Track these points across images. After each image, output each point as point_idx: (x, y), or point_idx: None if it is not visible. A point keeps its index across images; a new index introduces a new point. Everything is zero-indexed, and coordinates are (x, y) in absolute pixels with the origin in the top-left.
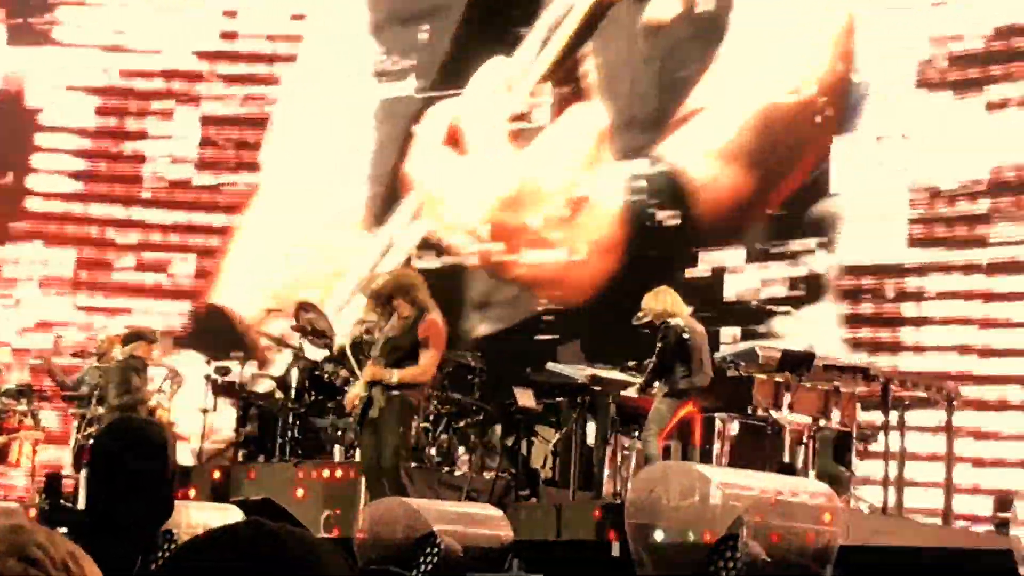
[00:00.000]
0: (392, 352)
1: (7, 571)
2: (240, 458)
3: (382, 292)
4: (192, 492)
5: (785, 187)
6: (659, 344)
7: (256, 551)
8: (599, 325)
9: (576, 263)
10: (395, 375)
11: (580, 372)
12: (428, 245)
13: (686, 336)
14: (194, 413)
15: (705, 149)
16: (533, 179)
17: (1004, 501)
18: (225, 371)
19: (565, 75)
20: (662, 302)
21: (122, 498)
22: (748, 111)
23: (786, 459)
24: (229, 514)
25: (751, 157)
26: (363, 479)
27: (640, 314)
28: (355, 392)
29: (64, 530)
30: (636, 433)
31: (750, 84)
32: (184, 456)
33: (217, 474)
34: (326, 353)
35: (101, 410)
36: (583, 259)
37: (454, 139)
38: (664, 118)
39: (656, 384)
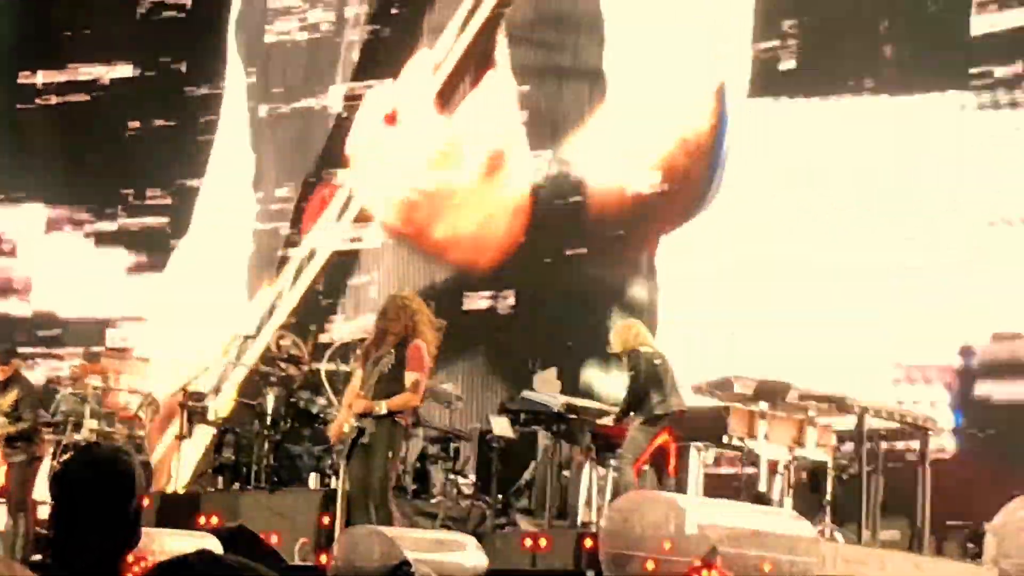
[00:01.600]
0: (381, 380)
1: None
2: (220, 485)
3: (381, 316)
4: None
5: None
6: (631, 373)
7: None
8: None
9: (486, 228)
10: (383, 406)
11: (555, 401)
12: (360, 219)
13: (657, 363)
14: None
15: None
16: (457, 138)
17: (976, 531)
18: (200, 397)
19: (480, 55)
20: (629, 335)
21: (87, 527)
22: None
23: (762, 489)
24: (204, 542)
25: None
26: (339, 506)
27: (609, 347)
28: (339, 424)
29: (39, 557)
30: (611, 461)
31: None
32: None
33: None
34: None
35: (77, 436)
36: (494, 223)
37: (390, 117)
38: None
39: (632, 413)
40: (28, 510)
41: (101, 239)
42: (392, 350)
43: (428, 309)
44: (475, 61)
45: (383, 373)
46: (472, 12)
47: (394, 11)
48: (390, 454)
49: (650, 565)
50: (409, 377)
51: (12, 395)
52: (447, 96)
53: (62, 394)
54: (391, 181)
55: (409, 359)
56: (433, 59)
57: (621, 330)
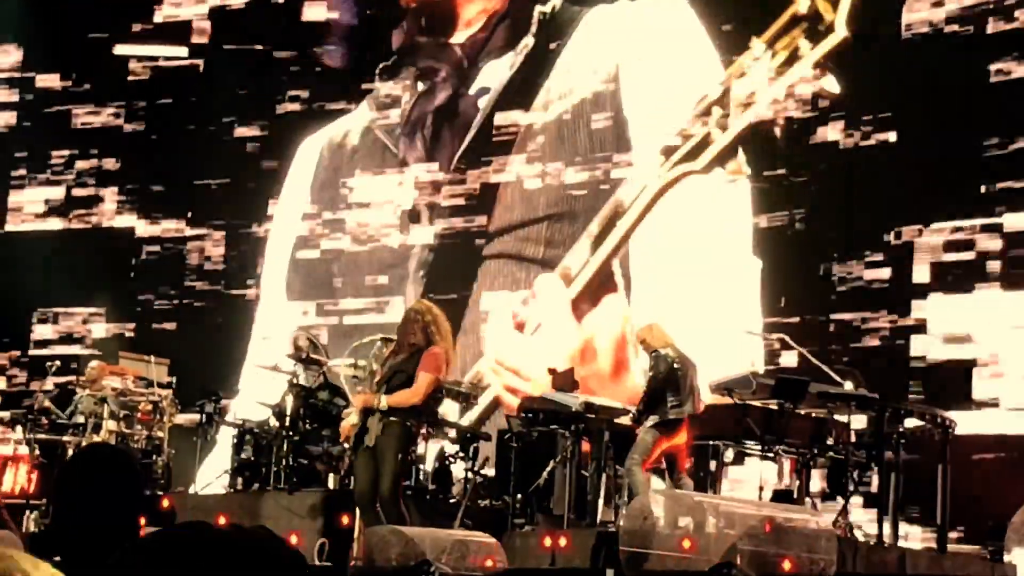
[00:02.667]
0: (393, 378)
1: None
2: (239, 486)
3: (400, 329)
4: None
5: None
6: (650, 374)
7: (200, 551)
8: None
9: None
10: (384, 400)
11: (574, 400)
12: None
13: (676, 366)
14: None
15: None
16: (589, 338)
17: (997, 528)
18: (218, 399)
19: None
20: (651, 336)
21: (88, 523)
22: None
23: (781, 487)
24: None
25: None
26: (357, 506)
27: (635, 344)
28: (349, 422)
29: (59, 558)
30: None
31: None
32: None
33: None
34: (321, 380)
35: (96, 438)
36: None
37: (521, 324)
38: None
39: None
40: None
41: None
42: (406, 357)
43: (446, 320)
44: (600, 281)
45: (393, 365)
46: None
47: None
48: (399, 456)
49: (670, 564)
50: (418, 377)
51: None
52: (575, 307)
53: (80, 396)
54: (534, 379)
55: (422, 362)
56: (561, 272)
57: (643, 332)
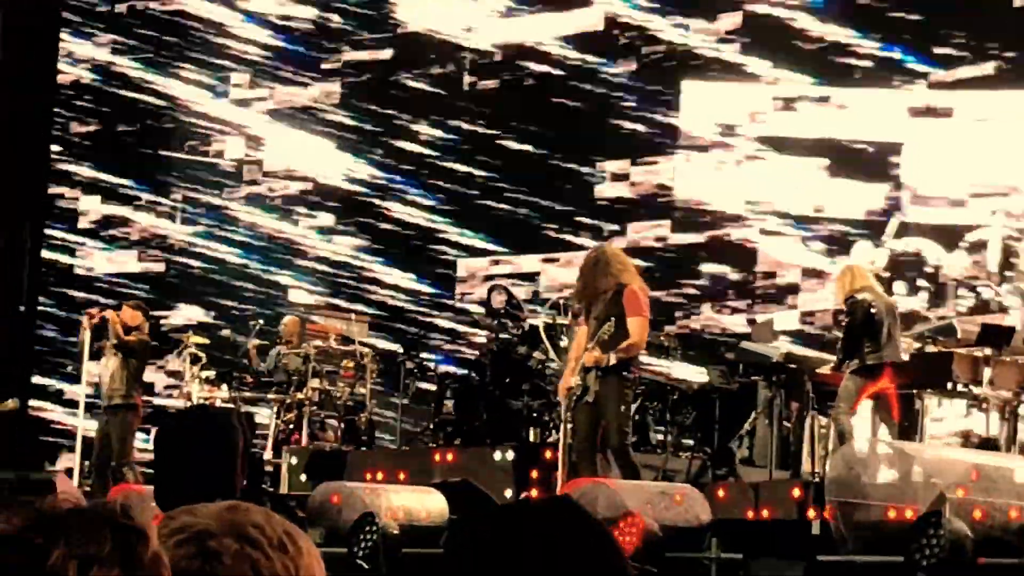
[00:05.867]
0: (602, 330)
1: (224, 549)
2: (441, 441)
3: (583, 270)
4: (402, 475)
5: None
6: (846, 320)
7: (568, 524)
8: None
9: None
10: (612, 357)
11: (774, 350)
12: None
13: (873, 311)
14: None
15: None
16: None
17: None
18: (415, 355)
19: None
20: (845, 280)
21: (188, 483)
22: None
23: (989, 434)
24: (430, 497)
25: None
26: (561, 459)
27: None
28: (566, 381)
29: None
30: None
31: None
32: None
33: (440, 456)
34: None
35: (300, 395)
36: None
37: None
38: None
39: (847, 360)
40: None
41: None
42: (607, 303)
43: (626, 256)
44: None
45: (597, 318)
46: None
47: None
48: (622, 407)
49: (877, 513)
50: (632, 323)
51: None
52: None
53: (283, 353)
54: None
55: (627, 305)
56: None
57: (839, 276)
